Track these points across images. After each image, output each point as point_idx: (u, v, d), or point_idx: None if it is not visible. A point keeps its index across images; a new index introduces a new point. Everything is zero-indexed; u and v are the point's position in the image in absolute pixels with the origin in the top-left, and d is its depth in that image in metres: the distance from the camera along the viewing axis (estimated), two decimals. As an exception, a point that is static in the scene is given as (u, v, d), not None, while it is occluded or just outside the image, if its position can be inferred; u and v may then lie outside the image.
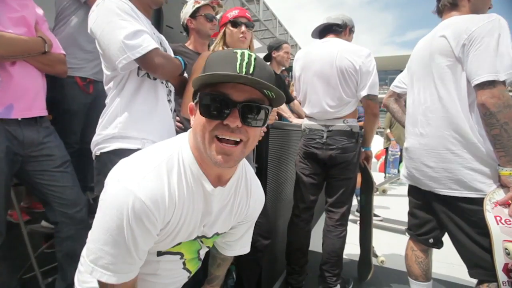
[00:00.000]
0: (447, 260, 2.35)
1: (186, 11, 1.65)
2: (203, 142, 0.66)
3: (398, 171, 6.01)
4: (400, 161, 6.03)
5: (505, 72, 1.08)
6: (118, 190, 0.63)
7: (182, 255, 0.83)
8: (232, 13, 1.50)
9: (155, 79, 1.14)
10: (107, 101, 1.12)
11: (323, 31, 1.84)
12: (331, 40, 1.77)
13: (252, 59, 0.64)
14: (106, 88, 1.14)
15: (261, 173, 1.68)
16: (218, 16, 1.68)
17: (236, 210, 0.85)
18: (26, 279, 1.64)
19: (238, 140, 0.65)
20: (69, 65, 1.56)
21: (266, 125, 0.70)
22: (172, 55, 1.32)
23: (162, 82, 1.19)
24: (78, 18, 1.73)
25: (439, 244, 1.45)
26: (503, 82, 1.09)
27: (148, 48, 1.00)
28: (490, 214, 1.13)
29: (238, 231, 0.95)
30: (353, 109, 1.75)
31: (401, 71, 1.73)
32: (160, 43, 1.20)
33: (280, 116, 2.53)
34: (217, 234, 0.86)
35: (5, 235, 1.17)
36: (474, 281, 1.25)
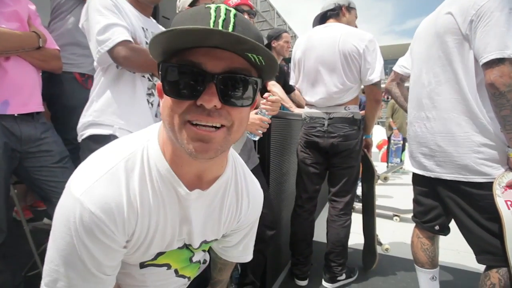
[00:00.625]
0: (453, 247, 2.34)
1: (184, 1, 1.61)
2: (172, 129, 0.50)
3: (401, 160, 5.98)
4: (403, 150, 6.00)
5: None
6: (65, 199, 0.53)
7: (169, 265, 0.72)
8: (234, 0, 1.47)
9: (134, 72, 1.14)
10: (91, 89, 1.17)
11: (322, 20, 1.80)
12: (332, 25, 1.72)
13: (231, 15, 0.47)
14: (94, 77, 1.18)
15: (264, 163, 1.65)
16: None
17: (226, 217, 0.72)
18: (30, 276, 1.65)
19: (218, 125, 0.49)
20: (67, 61, 1.54)
21: (255, 104, 0.55)
22: None
23: (143, 76, 1.17)
24: (76, 14, 1.70)
25: (445, 231, 1.43)
26: None
27: (116, 41, 1.00)
28: (501, 198, 1.09)
29: (233, 238, 0.83)
30: (355, 95, 1.72)
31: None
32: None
33: (282, 106, 2.50)
34: (206, 242, 0.73)
35: (6, 232, 1.16)
36: (481, 267, 1.23)
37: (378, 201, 3.46)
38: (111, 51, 1.01)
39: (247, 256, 0.90)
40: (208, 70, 0.46)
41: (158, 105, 1.26)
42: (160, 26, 1.33)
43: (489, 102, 1.13)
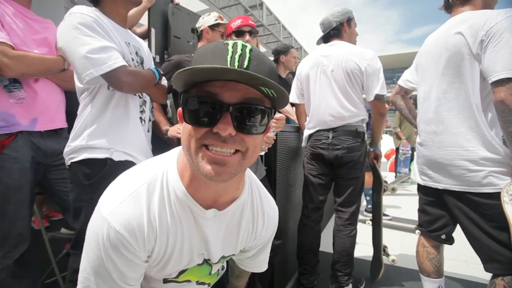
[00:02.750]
0: (462, 258, 2.33)
1: (207, 20, 1.72)
2: (189, 152, 0.54)
3: (410, 170, 5.92)
4: (411, 159, 5.95)
5: None
6: (96, 217, 0.59)
7: (189, 281, 0.77)
8: (236, 23, 1.55)
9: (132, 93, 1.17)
10: (78, 111, 1.15)
11: (326, 37, 1.88)
12: (337, 44, 1.80)
13: (247, 50, 0.52)
14: (79, 98, 1.16)
15: (271, 175, 1.71)
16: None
17: (243, 235, 0.76)
18: (48, 284, 1.72)
19: (232, 151, 0.54)
20: None
21: (268, 131, 0.59)
22: (151, 61, 1.34)
23: (135, 94, 1.20)
24: None
25: (451, 240, 1.45)
26: None
27: (113, 66, 1.01)
28: (509, 205, 1.13)
29: (250, 252, 0.88)
30: (361, 111, 1.77)
31: (409, 69, 1.73)
32: (136, 53, 1.23)
33: (288, 120, 2.56)
34: (224, 257, 0.78)
35: (29, 240, 1.24)
36: (489, 278, 1.24)
37: (398, 214, 3.48)
38: (108, 75, 1.01)
39: (263, 266, 0.94)
40: (224, 100, 0.51)
41: (150, 120, 1.32)
42: (137, 38, 1.33)
43: (493, 119, 1.18)
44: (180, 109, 0.57)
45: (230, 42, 0.53)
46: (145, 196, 0.60)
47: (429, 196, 1.47)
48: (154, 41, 1.87)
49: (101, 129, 1.10)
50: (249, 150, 0.55)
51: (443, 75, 1.32)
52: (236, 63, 0.50)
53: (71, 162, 1.12)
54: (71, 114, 1.72)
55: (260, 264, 0.93)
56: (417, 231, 3.01)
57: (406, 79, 1.68)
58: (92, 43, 1.00)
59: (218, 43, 0.54)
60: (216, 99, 0.51)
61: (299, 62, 2.14)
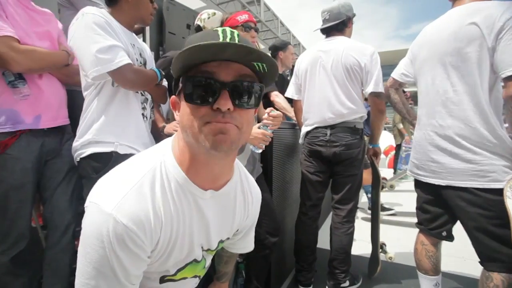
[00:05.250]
0: (459, 254, 2.32)
1: (214, 21, 1.74)
2: (192, 131, 0.57)
3: (410, 167, 5.89)
4: (410, 157, 5.90)
5: None
6: (95, 215, 0.57)
7: (185, 278, 0.80)
8: (242, 17, 1.54)
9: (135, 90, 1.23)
10: (84, 106, 1.20)
11: (330, 29, 1.82)
12: (336, 38, 1.78)
13: (235, 34, 0.57)
14: (84, 94, 1.20)
15: (267, 172, 1.70)
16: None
17: (238, 215, 0.81)
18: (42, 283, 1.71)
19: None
20: None
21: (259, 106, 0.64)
22: (153, 63, 1.42)
23: (137, 92, 1.26)
24: None
25: (451, 237, 1.43)
26: None
27: (120, 64, 1.07)
28: (511, 200, 1.11)
29: (241, 234, 0.93)
30: (360, 107, 1.75)
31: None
32: (140, 54, 1.29)
33: (285, 116, 2.54)
34: (221, 241, 0.81)
35: (28, 238, 1.23)
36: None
37: (399, 210, 3.48)
38: (114, 72, 1.07)
39: (251, 245, 1.00)
40: (221, 79, 0.55)
41: (150, 117, 1.37)
42: (140, 41, 1.39)
43: (497, 114, 1.16)
44: (173, 96, 0.61)
45: (219, 29, 0.57)
46: (148, 187, 0.61)
47: (428, 194, 1.44)
48: (149, 37, 1.85)
49: (107, 124, 1.15)
50: (243, 125, 0.59)
51: (452, 66, 1.26)
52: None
53: (80, 158, 1.17)
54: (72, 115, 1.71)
55: (249, 244, 0.99)
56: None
57: (401, 72, 1.61)
58: (102, 41, 1.06)
59: (208, 30, 0.59)
60: (215, 78, 0.55)
61: (296, 58, 2.12)
